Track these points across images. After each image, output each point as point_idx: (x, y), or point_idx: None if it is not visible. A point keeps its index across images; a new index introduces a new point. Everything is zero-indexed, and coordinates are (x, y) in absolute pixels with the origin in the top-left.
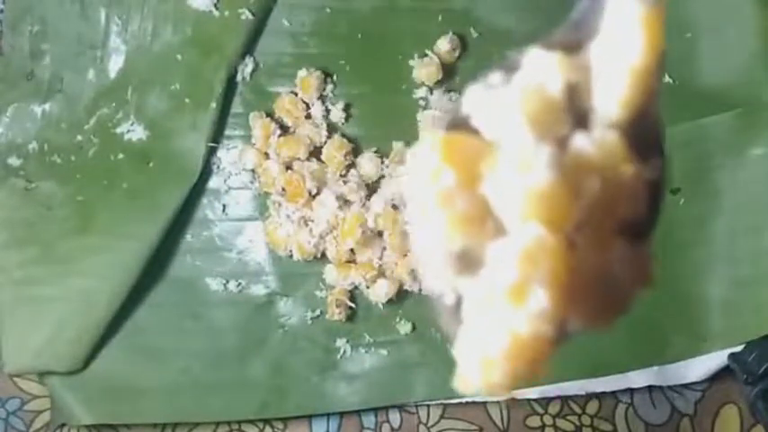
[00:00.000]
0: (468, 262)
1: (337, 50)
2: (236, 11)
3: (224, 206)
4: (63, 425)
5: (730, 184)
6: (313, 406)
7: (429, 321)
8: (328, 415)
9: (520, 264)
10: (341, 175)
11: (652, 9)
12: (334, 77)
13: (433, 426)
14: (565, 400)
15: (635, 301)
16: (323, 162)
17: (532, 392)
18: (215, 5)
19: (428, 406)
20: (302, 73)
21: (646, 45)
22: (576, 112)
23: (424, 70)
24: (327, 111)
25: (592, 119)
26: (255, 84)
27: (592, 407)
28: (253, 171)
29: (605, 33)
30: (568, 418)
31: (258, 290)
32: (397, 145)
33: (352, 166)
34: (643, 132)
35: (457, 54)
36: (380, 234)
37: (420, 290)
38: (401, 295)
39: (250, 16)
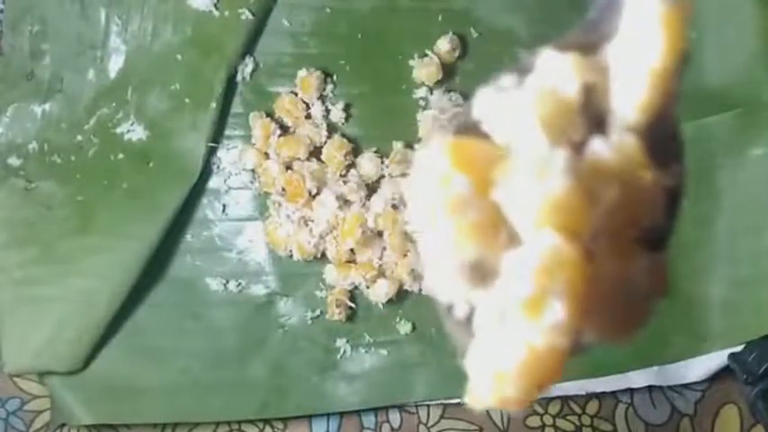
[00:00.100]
0: (480, 273)
1: (337, 50)
2: (236, 11)
3: (224, 206)
4: (63, 425)
5: (730, 184)
6: (313, 406)
7: (429, 321)
8: (328, 415)
9: (535, 275)
10: (341, 175)
11: (673, 8)
12: (334, 77)
13: (433, 426)
14: (565, 400)
15: (652, 313)
16: (323, 162)
17: None
18: (215, 5)
19: (428, 406)
20: (302, 73)
21: (666, 45)
22: (593, 115)
23: (424, 70)
24: (327, 111)
25: (609, 122)
26: (255, 84)
27: (592, 407)
28: (253, 171)
29: (623, 33)
30: (568, 418)
31: (258, 290)
32: (397, 145)
33: (352, 166)
34: (661, 137)
35: (457, 54)
36: (380, 234)
37: (420, 290)
38: (401, 295)
39: (250, 16)
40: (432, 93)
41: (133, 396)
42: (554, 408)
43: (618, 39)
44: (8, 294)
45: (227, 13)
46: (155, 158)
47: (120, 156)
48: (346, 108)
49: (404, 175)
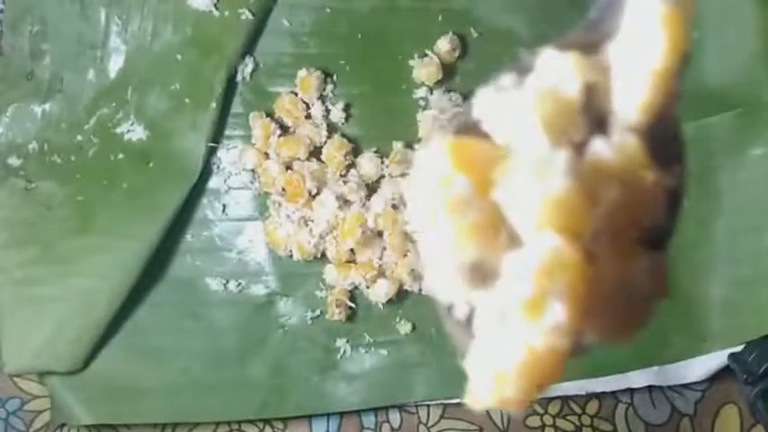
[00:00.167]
0: (480, 274)
1: (337, 50)
2: (236, 11)
3: (224, 206)
4: (63, 425)
5: (730, 184)
6: (313, 406)
7: (429, 321)
8: (328, 415)
9: (536, 276)
10: (341, 175)
11: (674, 8)
12: (334, 77)
13: (433, 426)
14: (565, 400)
15: (653, 314)
16: (323, 162)
17: None
18: (215, 5)
19: (428, 406)
20: (302, 73)
21: (667, 45)
22: (594, 115)
23: (424, 70)
24: (327, 111)
25: (610, 122)
26: (255, 84)
27: (592, 407)
28: (253, 171)
29: (625, 33)
30: (568, 418)
31: (258, 290)
32: (397, 145)
33: (352, 166)
34: (663, 137)
35: (457, 54)
36: (380, 234)
37: (420, 290)
38: (401, 295)
39: (250, 16)
40: (432, 93)
41: (133, 396)
42: (554, 408)
43: (619, 38)
44: (8, 294)
45: (227, 13)
46: (155, 158)
47: (120, 156)
48: (346, 108)
49: (404, 175)
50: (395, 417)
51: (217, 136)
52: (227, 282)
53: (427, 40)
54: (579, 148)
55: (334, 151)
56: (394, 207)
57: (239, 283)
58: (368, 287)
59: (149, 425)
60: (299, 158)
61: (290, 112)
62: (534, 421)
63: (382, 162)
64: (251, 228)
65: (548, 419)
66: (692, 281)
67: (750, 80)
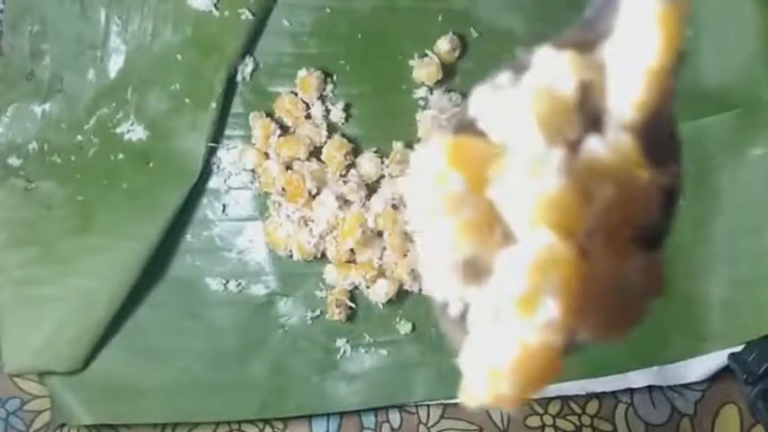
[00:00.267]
0: (475, 271)
1: (337, 50)
2: (236, 11)
3: (224, 206)
4: (63, 425)
5: (730, 184)
6: (313, 406)
7: (429, 321)
8: (328, 415)
9: (529, 273)
10: (341, 175)
11: (669, 6)
12: (334, 77)
13: (433, 426)
14: (565, 400)
15: (648, 311)
16: (323, 162)
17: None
18: (215, 5)
19: (428, 406)
20: (302, 73)
21: (662, 44)
22: (589, 113)
23: (424, 70)
24: (327, 111)
25: (605, 121)
26: (255, 84)
27: (592, 407)
28: (253, 171)
29: (620, 31)
30: (568, 418)
31: (258, 290)
32: (397, 145)
33: (352, 166)
34: (658, 136)
35: (457, 54)
36: (380, 234)
37: (420, 290)
38: (401, 295)
39: (250, 16)
40: (432, 93)
41: (133, 396)
42: (554, 408)
43: (615, 37)
44: (8, 294)
45: (227, 13)
46: (155, 158)
47: (120, 156)
48: (346, 108)
49: (404, 175)
50: (395, 417)
51: (217, 136)
52: (227, 282)
53: (427, 40)
54: (574, 147)
55: (334, 151)
56: (394, 207)
57: (239, 283)
58: (368, 287)
59: (149, 425)
60: (299, 158)
61: (290, 112)
62: (534, 421)
63: (382, 162)
64: (251, 228)
65: (548, 419)
66: (692, 281)
67: (750, 80)
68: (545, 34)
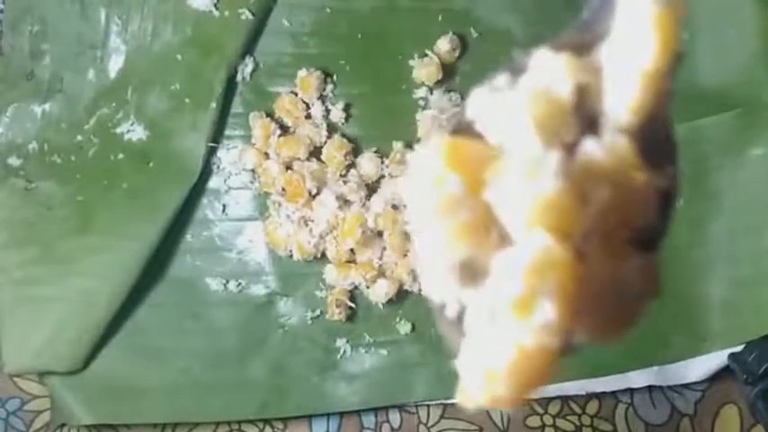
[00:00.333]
0: (471, 272)
1: (337, 50)
2: (236, 11)
3: (224, 206)
4: (63, 425)
5: (730, 184)
6: (313, 406)
7: (429, 321)
8: (328, 415)
9: (526, 275)
10: (341, 175)
11: (665, 9)
12: (334, 77)
13: (433, 426)
14: (565, 400)
15: (643, 313)
16: (323, 162)
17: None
18: (215, 5)
19: (428, 406)
20: (302, 73)
21: (658, 46)
22: (586, 116)
23: (424, 70)
24: (327, 111)
25: (602, 123)
26: (255, 84)
27: (592, 407)
28: (253, 171)
29: (616, 34)
30: (568, 418)
31: (258, 290)
32: (397, 145)
33: (352, 166)
34: (655, 138)
35: (457, 54)
36: (380, 234)
37: (420, 290)
38: (401, 295)
39: (250, 16)
40: (432, 93)
41: (133, 396)
42: (554, 408)
43: (611, 39)
44: (8, 294)
45: (227, 13)
46: (155, 158)
47: (120, 156)
48: (346, 108)
49: (404, 175)
50: (395, 417)
51: (217, 136)
52: (227, 282)
53: (427, 40)
54: (570, 149)
55: (334, 151)
56: (394, 207)
57: (239, 283)
58: (368, 287)
59: (149, 425)
60: (299, 158)
61: (290, 112)
62: (534, 421)
63: (382, 162)
64: (251, 228)
65: (548, 419)
66: (692, 281)
67: (750, 80)
68: (544, 35)
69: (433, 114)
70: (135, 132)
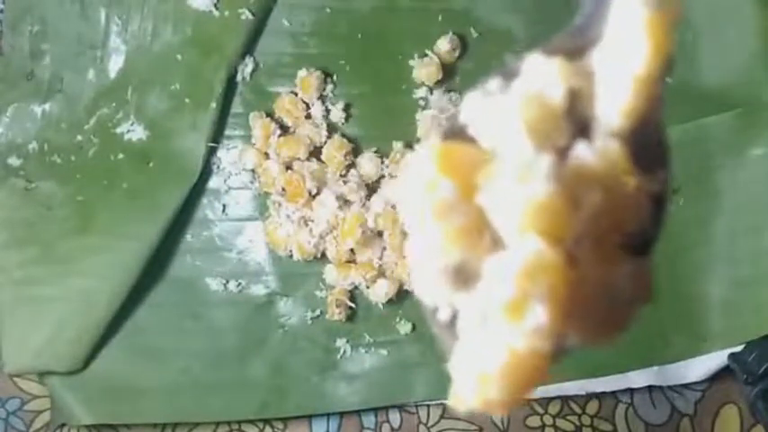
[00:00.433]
0: (464, 276)
1: (337, 50)
2: (236, 11)
3: (224, 206)
4: (63, 425)
5: (730, 184)
6: (313, 406)
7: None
8: (328, 415)
9: (517, 279)
10: (341, 175)
11: (657, 14)
12: (334, 77)
13: (433, 426)
14: (565, 400)
15: (635, 317)
16: (323, 162)
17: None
18: (215, 5)
19: (428, 406)
20: (302, 73)
21: (650, 51)
22: (578, 120)
23: (424, 70)
24: (327, 111)
25: (594, 128)
26: (255, 84)
27: (592, 407)
28: (253, 171)
29: (608, 39)
30: (568, 418)
31: (258, 290)
32: (397, 145)
33: (352, 166)
34: (647, 143)
35: (457, 54)
36: (380, 234)
37: None
38: (401, 295)
39: (250, 16)
40: (432, 93)
41: (133, 396)
42: (554, 408)
43: (603, 44)
44: (8, 294)
45: (227, 13)
46: (155, 158)
47: (120, 156)
48: (346, 108)
49: (400, 177)
50: (395, 417)
51: (217, 136)
52: (227, 282)
53: (427, 40)
54: (562, 153)
55: (334, 151)
56: (394, 207)
57: (239, 283)
58: (368, 287)
59: (149, 425)
60: (299, 158)
61: (290, 112)
62: (534, 421)
63: (382, 162)
64: (251, 228)
65: (548, 419)
66: (692, 281)
67: (750, 80)
68: (544, 35)
69: (433, 114)
70: (135, 132)
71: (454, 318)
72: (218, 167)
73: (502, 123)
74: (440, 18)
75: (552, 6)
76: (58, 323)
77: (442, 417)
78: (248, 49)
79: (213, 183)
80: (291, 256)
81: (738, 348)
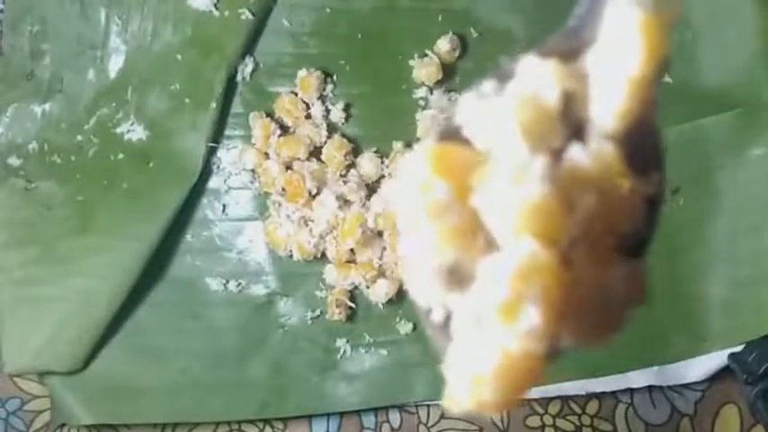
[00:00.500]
0: (457, 277)
1: (337, 50)
2: (236, 11)
3: (224, 206)
4: (63, 425)
5: (730, 184)
6: (313, 406)
7: None
8: (328, 415)
9: (511, 280)
10: (341, 175)
11: (651, 16)
12: (334, 77)
13: (433, 426)
14: (565, 400)
15: (629, 319)
16: (323, 162)
17: (532, 392)
18: (215, 5)
19: (428, 406)
20: (302, 73)
21: (645, 53)
22: (572, 122)
23: (424, 70)
24: (327, 111)
25: (588, 130)
26: (255, 84)
27: (592, 407)
28: (253, 171)
29: (603, 41)
30: (568, 418)
31: (258, 290)
32: (397, 145)
33: (352, 166)
34: (641, 145)
35: (457, 54)
36: (380, 234)
37: None
38: (401, 295)
39: (250, 16)
40: (432, 93)
41: (133, 396)
42: (554, 408)
43: (598, 46)
44: (8, 294)
45: (227, 13)
46: (155, 158)
47: (120, 156)
48: (346, 108)
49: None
50: (395, 417)
51: (217, 136)
52: (227, 282)
53: (427, 40)
54: (557, 155)
55: (334, 151)
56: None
57: (239, 283)
58: (368, 287)
59: (149, 425)
60: (299, 158)
61: (290, 112)
62: (534, 421)
63: (382, 162)
64: (251, 228)
65: (548, 419)
66: (692, 281)
67: (750, 80)
68: (544, 35)
69: (432, 114)
70: (135, 132)
71: (448, 319)
72: (218, 167)
73: (496, 125)
74: (440, 18)
75: (552, 6)
76: (58, 323)
77: (442, 417)
78: (248, 49)
79: (213, 183)
80: (291, 256)
81: (738, 348)
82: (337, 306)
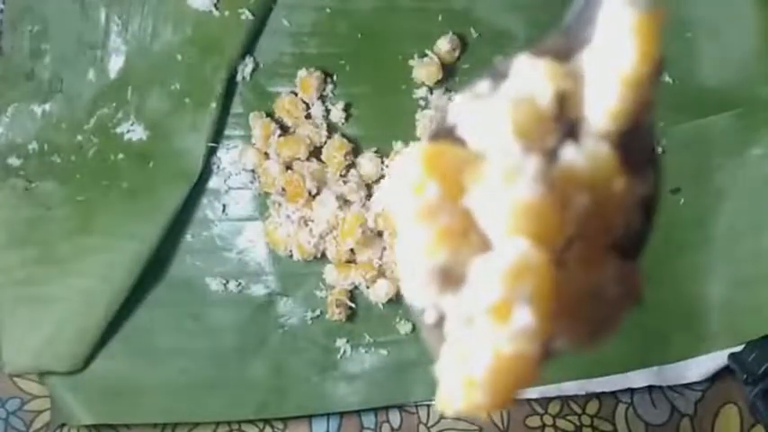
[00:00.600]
0: (450, 278)
1: (337, 50)
2: (236, 11)
3: (224, 206)
4: (63, 425)
5: (730, 184)
6: (313, 406)
7: None
8: (328, 415)
9: (504, 281)
10: (341, 175)
11: (645, 16)
12: (334, 77)
13: (433, 426)
14: (565, 400)
15: (624, 319)
16: (323, 162)
17: (532, 392)
18: (215, 5)
19: (428, 406)
20: (302, 73)
21: (639, 53)
22: (566, 122)
23: (424, 70)
24: (327, 111)
25: (582, 130)
26: (255, 84)
27: (592, 407)
28: (253, 171)
29: (597, 41)
30: (568, 418)
31: (258, 290)
32: (397, 145)
33: (352, 166)
34: (636, 145)
35: (457, 54)
36: (380, 234)
37: None
38: (401, 295)
39: (250, 16)
40: (432, 93)
41: (133, 396)
42: (554, 408)
43: (592, 46)
44: (8, 294)
45: (227, 13)
46: (155, 158)
47: (120, 156)
48: (346, 108)
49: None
50: (395, 417)
51: (217, 136)
52: (227, 282)
53: (427, 40)
54: (551, 155)
55: (334, 151)
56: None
57: (239, 283)
58: (368, 287)
59: (149, 425)
60: (299, 158)
61: (290, 112)
62: (534, 421)
63: (382, 162)
64: (251, 228)
65: (548, 419)
66: (692, 281)
67: (749, 80)
68: (544, 35)
69: (433, 114)
70: (135, 132)
71: (441, 320)
72: (218, 167)
73: (490, 125)
74: (440, 18)
75: (552, 6)
76: (58, 323)
77: (442, 417)
78: (248, 49)
79: (213, 183)
80: (291, 256)
81: (738, 348)
82: (337, 306)
